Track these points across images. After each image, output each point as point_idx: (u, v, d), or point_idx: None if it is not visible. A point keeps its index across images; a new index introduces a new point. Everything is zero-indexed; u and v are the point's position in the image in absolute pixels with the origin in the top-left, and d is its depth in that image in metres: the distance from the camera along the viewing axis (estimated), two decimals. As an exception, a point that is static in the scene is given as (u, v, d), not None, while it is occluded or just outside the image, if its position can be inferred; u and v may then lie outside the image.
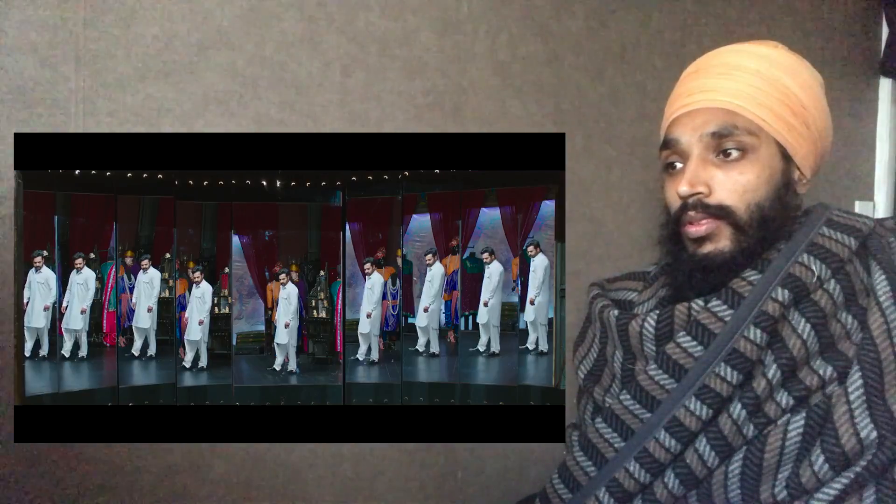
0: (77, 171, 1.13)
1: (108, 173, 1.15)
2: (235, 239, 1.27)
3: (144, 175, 1.18)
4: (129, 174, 1.17)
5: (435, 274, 1.29)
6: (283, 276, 1.28)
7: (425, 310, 1.29)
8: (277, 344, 1.28)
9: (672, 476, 0.84)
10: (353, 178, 1.24)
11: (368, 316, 1.29)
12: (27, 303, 1.14)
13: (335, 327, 1.30)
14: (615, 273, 1.14)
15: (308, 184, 1.26)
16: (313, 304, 1.32)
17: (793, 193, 0.89)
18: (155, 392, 1.20)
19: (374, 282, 1.29)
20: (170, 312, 1.27)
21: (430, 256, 1.29)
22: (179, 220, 1.24)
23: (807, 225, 0.86)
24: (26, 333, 1.14)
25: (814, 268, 0.82)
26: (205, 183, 1.22)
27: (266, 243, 1.30)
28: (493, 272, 1.27)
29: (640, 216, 1.29)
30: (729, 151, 0.85)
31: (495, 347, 1.26)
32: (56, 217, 1.17)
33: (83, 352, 1.21)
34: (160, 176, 1.19)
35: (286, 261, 1.30)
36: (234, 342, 1.27)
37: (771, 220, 0.85)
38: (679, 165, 0.90)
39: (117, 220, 1.22)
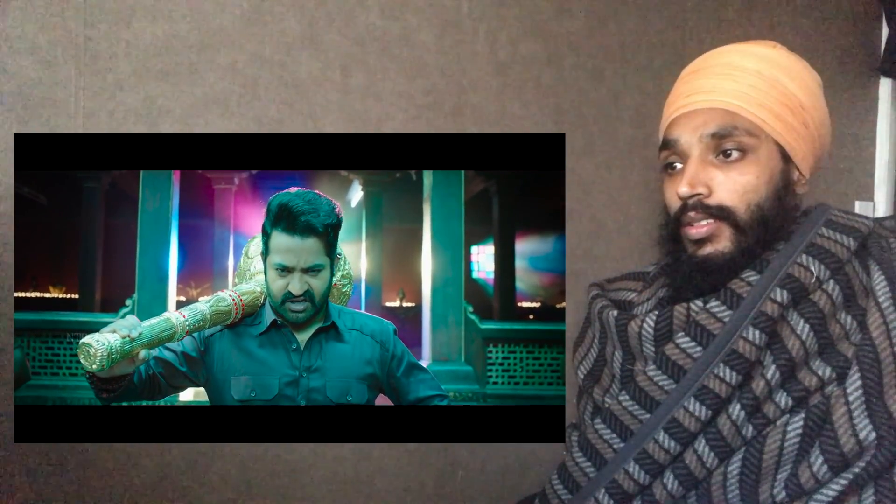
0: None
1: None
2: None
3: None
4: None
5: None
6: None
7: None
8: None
9: (671, 477, 0.83)
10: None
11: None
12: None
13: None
14: (615, 273, 1.14)
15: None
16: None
17: (792, 194, 0.89)
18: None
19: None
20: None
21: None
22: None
23: (806, 225, 0.86)
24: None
25: (812, 268, 0.82)
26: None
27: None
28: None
29: (640, 216, 1.29)
30: (729, 152, 0.85)
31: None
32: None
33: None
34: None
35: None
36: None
37: (771, 221, 0.85)
38: (678, 166, 0.90)
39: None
